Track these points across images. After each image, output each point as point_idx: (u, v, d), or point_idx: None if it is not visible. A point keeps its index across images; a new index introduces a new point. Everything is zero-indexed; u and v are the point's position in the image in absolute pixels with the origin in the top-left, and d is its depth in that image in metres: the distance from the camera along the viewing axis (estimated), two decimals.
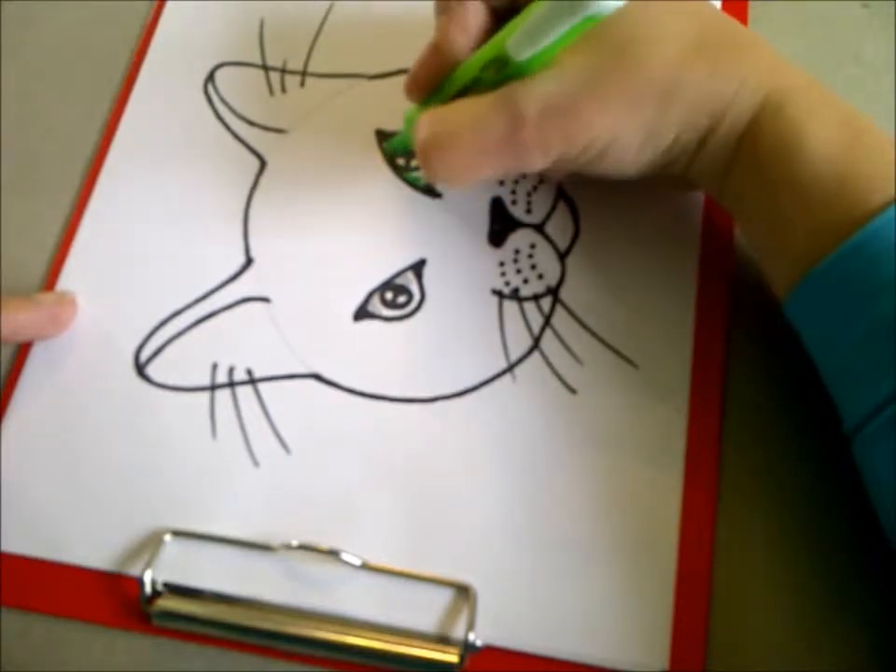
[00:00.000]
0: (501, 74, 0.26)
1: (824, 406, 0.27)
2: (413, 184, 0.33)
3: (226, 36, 0.36)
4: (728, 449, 0.29)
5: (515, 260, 0.32)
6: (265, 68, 0.36)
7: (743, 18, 0.35)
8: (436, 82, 0.28)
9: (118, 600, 0.28)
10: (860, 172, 0.24)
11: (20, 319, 0.30)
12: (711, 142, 0.26)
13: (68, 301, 0.32)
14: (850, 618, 0.27)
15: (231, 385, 0.31)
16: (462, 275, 0.32)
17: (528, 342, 0.31)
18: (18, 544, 0.29)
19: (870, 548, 0.27)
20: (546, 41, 0.24)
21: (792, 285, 0.25)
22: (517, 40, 0.25)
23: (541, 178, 0.33)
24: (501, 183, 0.33)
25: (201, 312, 0.32)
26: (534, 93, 0.25)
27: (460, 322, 0.31)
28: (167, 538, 0.29)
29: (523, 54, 0.25)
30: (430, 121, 0.27)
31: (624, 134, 0.26)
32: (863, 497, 0.26)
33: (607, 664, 0.27)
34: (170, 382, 0.31)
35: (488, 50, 0.26)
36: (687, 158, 0.27)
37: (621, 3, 0.22)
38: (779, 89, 0.26)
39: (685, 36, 0.26)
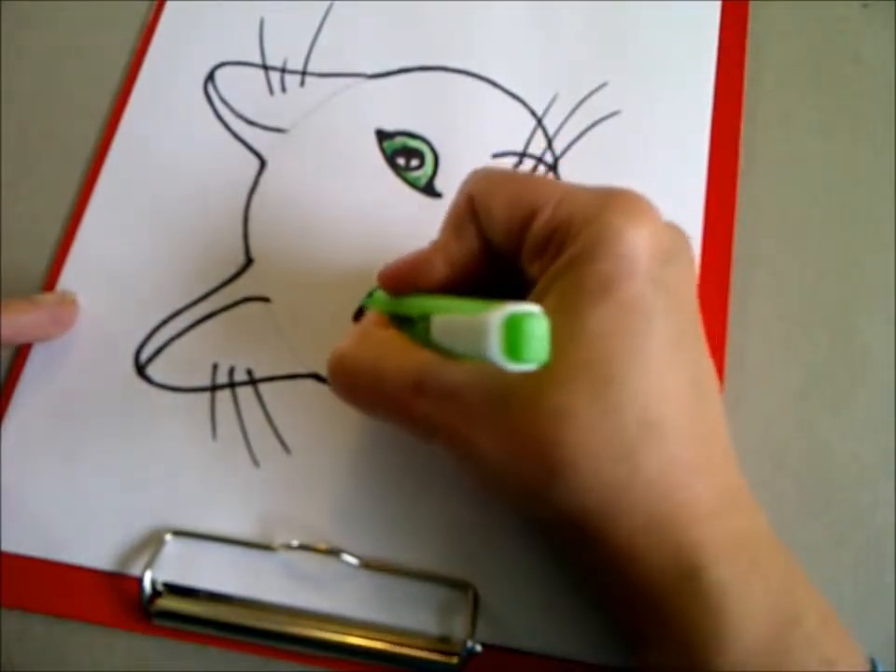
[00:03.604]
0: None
1: None
2: (413, 184, 0.33)
3: (226, 36, 0.36)
4: None
5: None
6: (265, 68, 0.36)
7: (743, 17, 0.35)
8: (408, 289, 0.26)
9: (118, 600, 0.28)
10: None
11: (21, 321, 0.30)
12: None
13: (69, 302, 0.32)
14: None
15: (232, 385, 0.31)
16: None
17: None
18: (18, 544, 0.29)
19: None
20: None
21: None
22: (436, 325, 0.21)
23: None
24: None
25: (201, 312, 0.32)
26: (443, 378, 0.23)
27: None
28: (167, 538, 0.29)
29: (442, 342, 0.21)
30: (342, 350, 0.26)
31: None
32: None
33: (607, 663, 0.27)
34: (170, 382, 0.31)
35: (427, 306, 0.23)
36: None
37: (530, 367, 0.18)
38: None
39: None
